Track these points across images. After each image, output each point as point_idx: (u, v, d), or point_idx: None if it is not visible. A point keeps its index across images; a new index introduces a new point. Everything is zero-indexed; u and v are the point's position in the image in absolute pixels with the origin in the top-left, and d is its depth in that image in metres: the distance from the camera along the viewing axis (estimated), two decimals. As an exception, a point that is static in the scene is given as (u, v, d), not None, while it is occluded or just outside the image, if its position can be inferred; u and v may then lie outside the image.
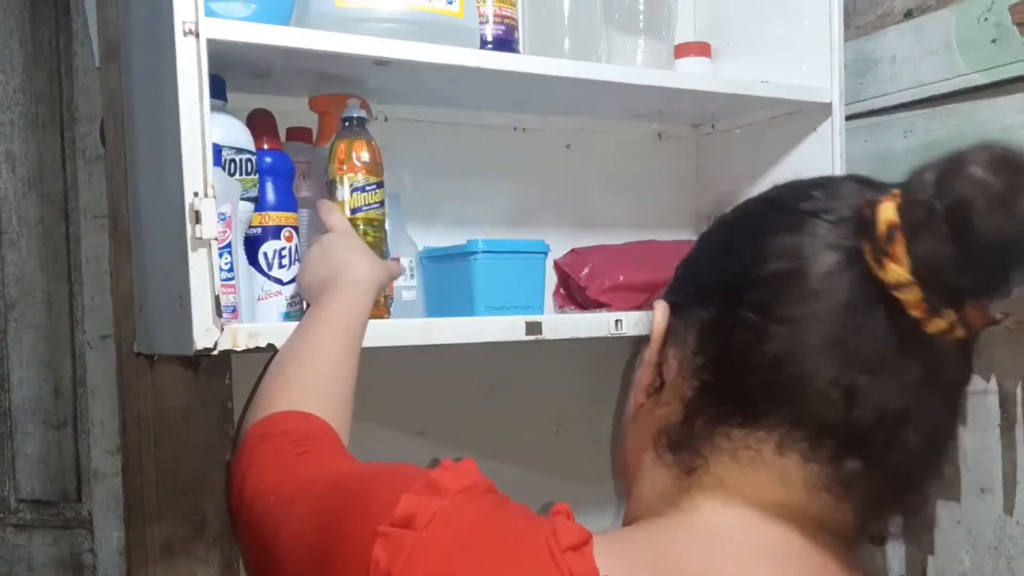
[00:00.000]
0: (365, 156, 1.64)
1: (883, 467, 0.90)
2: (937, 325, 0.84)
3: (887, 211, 0.85)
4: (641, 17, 2.03)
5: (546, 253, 1.88)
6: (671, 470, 0.99)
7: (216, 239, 1.40)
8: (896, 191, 0.87)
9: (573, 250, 2.05)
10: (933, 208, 0.82)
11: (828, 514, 0.92)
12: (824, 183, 0.96)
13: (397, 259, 1.76)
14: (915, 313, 0.84)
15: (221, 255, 1.46)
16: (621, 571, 0.88)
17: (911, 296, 0.84)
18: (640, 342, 1.09)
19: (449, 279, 1.84)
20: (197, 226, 1.38)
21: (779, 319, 0.90)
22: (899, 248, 0.84)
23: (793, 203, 0.95)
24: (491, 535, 0.93)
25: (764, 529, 0.92)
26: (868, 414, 0.88)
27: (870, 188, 0.92)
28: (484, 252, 1.79)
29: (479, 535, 0.93)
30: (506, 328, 1.70)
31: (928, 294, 0.84)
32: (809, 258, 0.89)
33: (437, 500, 0.95)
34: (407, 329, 1.62)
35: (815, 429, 0.89)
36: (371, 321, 1.48)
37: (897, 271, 0.84)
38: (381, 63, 1.61)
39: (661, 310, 1.02)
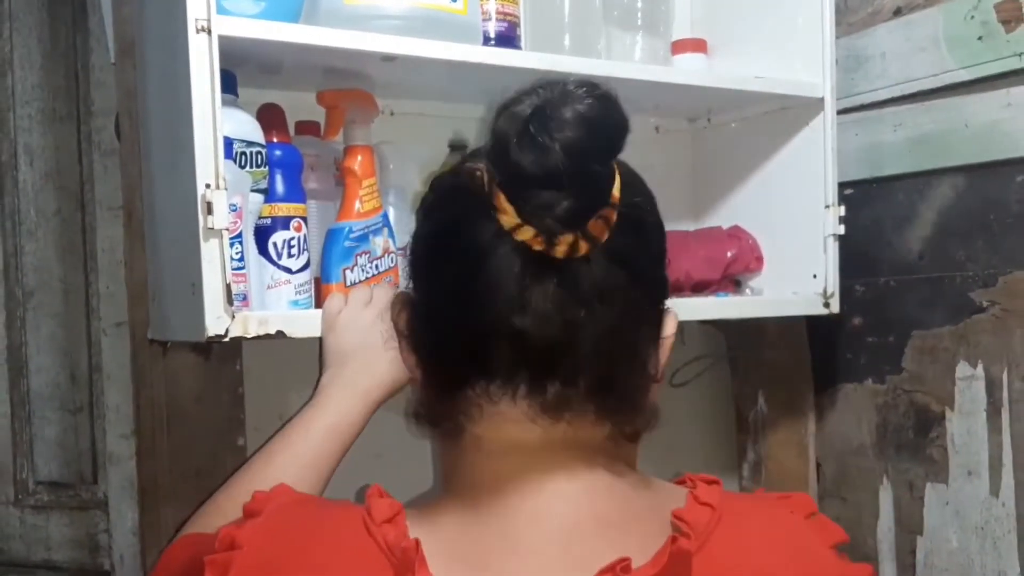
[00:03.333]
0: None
1: (580, 379, 0.96)
2: (560, 250, 0.91)
3: (486, 173, 0.93)
4: (639, 14, 2.04)
5: None
6: (444, 441, 1.07)
7: (227, 229, 1.41)
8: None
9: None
10: (508, 157, 0.91)
11: (573, 435, 0.99)
12: (458, 164, 1.03)
13: None
14: (537, 247, 0.91)
15: (232, 245, 1.46)
16: (429, 533, 0.95)
17: (527, 235, 0.91)
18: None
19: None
20: (209, 217, 1.38)
21: (441, 283, 1.01)
22: (501, 199, 0.92)
23: (437, 186, 1.07)
24: (307, 526, 1.01)
25: (532, 470, 0.99)
26: (541, 342, 0.94)
27: (473, 157, 0.99)
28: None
29: (296, 529, 1.01)
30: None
31: (538, 228, 0.91)
32: (450, 229, 1.00)
33: (251, 520, 1.03)
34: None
35: (512, 369, 0.96)
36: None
37: (508, 219, 0.91)
38: (388, 59, 1.61)
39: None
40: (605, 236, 0.93)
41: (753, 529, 1.03)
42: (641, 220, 1.00)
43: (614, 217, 0.94)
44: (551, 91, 0.92)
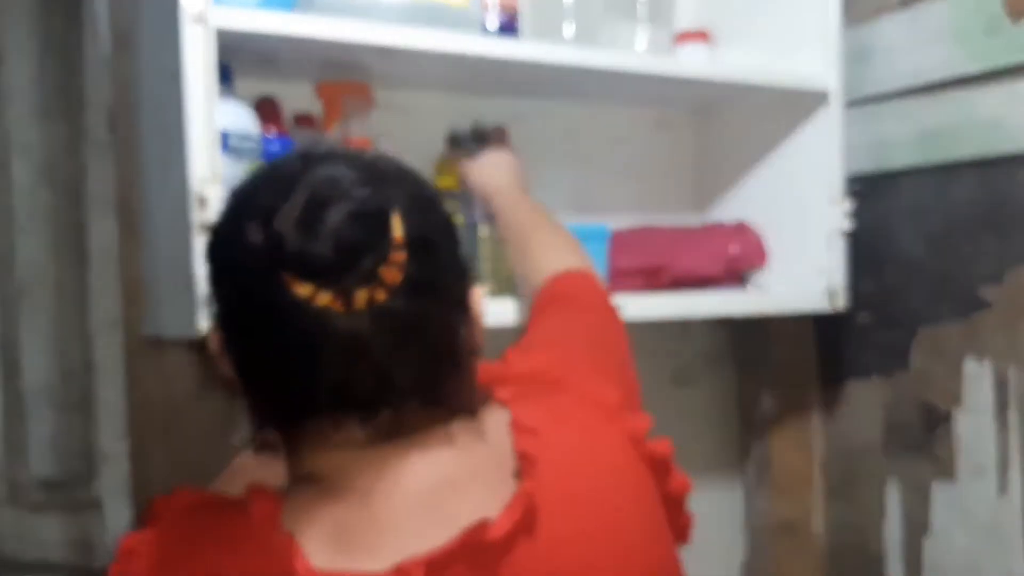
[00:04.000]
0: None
1: (408, 403, 1.04)
2: (359, 304, 0.97)
3: (266, 258, 0.99)
4: (642, 4, 2.03)
5: (606, 237, 1.95)
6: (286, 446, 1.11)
7: (223, 224, 1.39)
8: None
9: (574, 235, 2.05)
10: (288, 248, 0.98)
11: (409, 432, 1.06)
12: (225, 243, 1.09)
13: None
14: (337, 308, 0.97)
15: (228, 240, 1.45)
16: (304, 524, 1.01)
17: (324, 300, 0.97)
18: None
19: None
20: (204, 211, 1.39)
21: (255, 353, 1.06)
22: (288, 277, 0.97)
23: (215, 256, 1.09)
24: (198, 529, 1.06)
25: (379, 454, 1.05)
26: (362, 388, 1.01)
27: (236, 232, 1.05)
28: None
29: (187, 533, 1.06)
30: (513, 312, 1.70)
31: (334, 292, 0.96)
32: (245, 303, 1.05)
33: (150, 527, 1.08)
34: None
35: (342, 411, 1.03)
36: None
37: (303, 290, 0.96)
38: (386, 51, 1.61)
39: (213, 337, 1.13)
40: (399, 277, 0.99)
41: (573, 446, 1.14)
42: (428, 239, 1.04)
43: (402, 257, 0.99)
44: (311, 185, 1.00)
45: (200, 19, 1.41)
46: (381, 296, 0.97)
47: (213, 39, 1.42)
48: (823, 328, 2.29)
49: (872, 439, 2.20)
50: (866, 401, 2.21)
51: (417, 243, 1.00)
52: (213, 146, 1.41)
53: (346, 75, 1.72)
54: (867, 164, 2.14)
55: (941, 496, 2.06)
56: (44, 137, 1.96)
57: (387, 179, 1.04)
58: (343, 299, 0.96)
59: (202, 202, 1.38)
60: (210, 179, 1.39)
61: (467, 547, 0.99)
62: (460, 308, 1.10)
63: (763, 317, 2.14)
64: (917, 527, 2.12)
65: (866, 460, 2.22)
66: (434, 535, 0.99)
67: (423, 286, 1.01)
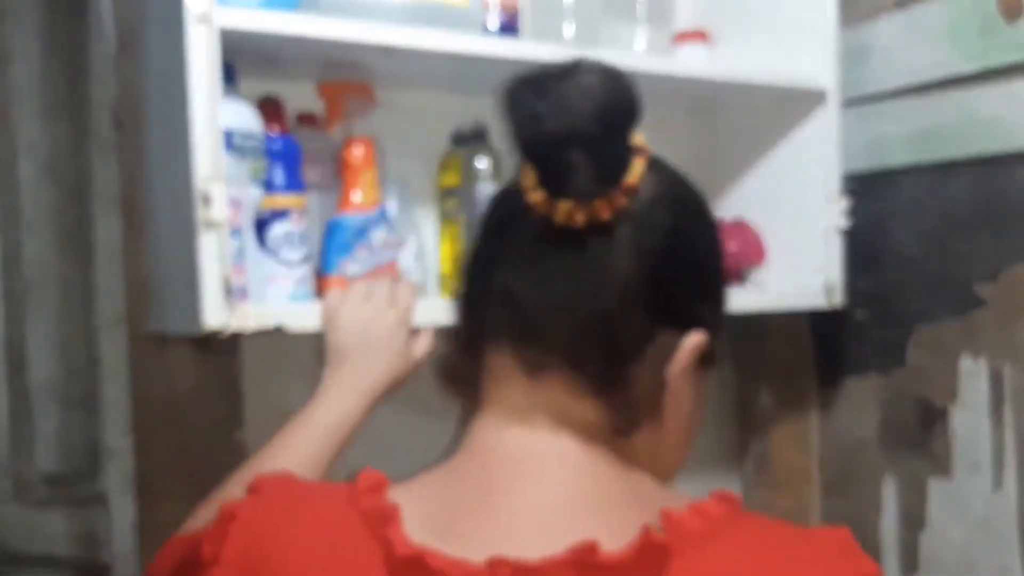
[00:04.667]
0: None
1: (562, 352, 0.97)
2: (559, 216, 0.94)
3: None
4: (641, 4, 2.04)
5: None
6: (462, 413, 1.08)
7: (226, 222, 1.42)
8: None
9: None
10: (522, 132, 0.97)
11: (560, 407, 0.99)
12: None
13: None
14: (541, 211, 0.95)
15: (231, 237, 1.47)
16: (411, 501, 0.98)
17: (536, 197, 0.95)
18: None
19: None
20: (208, 209, 1.41)
21: (475, 242, 1.07)
22: (528, 170, 0.97)
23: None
24: (298, 500, 1.05)
25: (520, 435, 1.00)
26: (527, 304, 0.97)
27: None
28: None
29: (288, 502, 1.04)
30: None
31: (546, 191, 0.94)
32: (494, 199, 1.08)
33: (251, 496, 1.06)
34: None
35: (506, 331, 1.00)
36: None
37: (528, 182, 0.96)
38: (388, 50, 1.61)
39: None
40: (606, 215, 0.94)
41: (756, 550, 0.95)
42: (669, 224, 0.99)
43: (623, 202, 0.95)
44: (572, 68, 0.96)
45: (204, 19, 1.41)
46: (580, 219, 0.94)
47: (217, 39, 1.42)
48: (820, 325, 2.29)
49: (869, 435, 2.20)
50: (863, 397, 2.21)
51: (652, 210, 0.99)
52: (217, 145, 1.41)
53: (348, 75, 1.72)
54: (864, 163, 2.14)
55: (937, 491, 2.07)
56: (49, 136, 1.97)
57: (626, 122, 1.00)
58: (548, 204, 0.95)
59: (206, 200, 1.39)
60: (213, 177, 1.40)
61: (568, 564, 0.89)
62: (662, 320, 0.99)
63: (761, 314, 2.14)
64: (913, 522, 2.12)
65: (863, 456, 2.22)
66: (537, 545, 0.91)
67: (637, 250, 0.97)
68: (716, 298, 1.07)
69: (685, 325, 1.00)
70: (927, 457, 2.08)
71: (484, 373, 1.03)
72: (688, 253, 1.02)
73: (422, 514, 0.96)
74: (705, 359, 1.03)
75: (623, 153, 0.97)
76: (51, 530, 2.06)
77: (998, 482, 1.95)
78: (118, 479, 1.96)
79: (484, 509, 0.97)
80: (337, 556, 0.97)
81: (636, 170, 0.96)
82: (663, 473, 1.06)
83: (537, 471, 0.98)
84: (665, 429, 1.03)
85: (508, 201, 1.02)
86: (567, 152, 0.93)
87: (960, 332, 2.00)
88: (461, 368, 1.07)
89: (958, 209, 2.01)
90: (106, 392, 1.96)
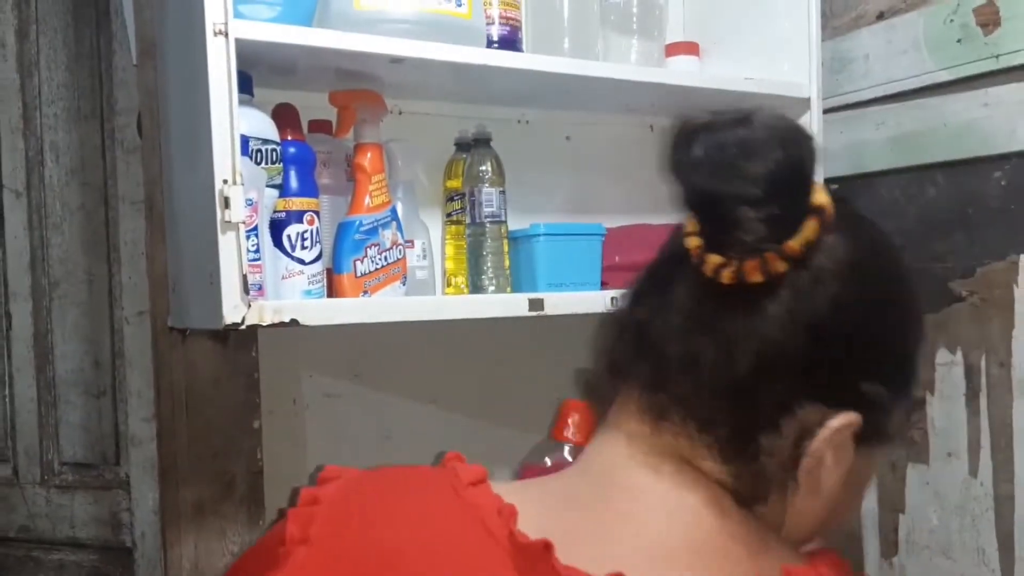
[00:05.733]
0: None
1: (690, 409, 0.90)
2: (707, 267, 0.86)
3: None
4: (635, 19, 2.05)
5: (602, 235, 1.95)
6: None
7: (244, 223, 1.41)
8: None
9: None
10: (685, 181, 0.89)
11: (681, 452, 0.91)
12: None
13: None
14: (694, 255, 0.88)
15: (248, 237, 1.48)
16: (522, 503, 0.91)
17: (693, 243, 0.88)
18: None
19: (517, 258, 1.91)
20: (226, 211, 1.39)
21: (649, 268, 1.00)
22: (691, 220, 0.90)
23: None
24: (393, 481, 0.99)
25: (645, 472, 0.92)
26: (662, 357, 0.90)
27: None
28: (545, 235, 1.87)
29: (381, 485, 0.98)
30: (511, 305, 1.72)
31: (703, 242, 0.88)
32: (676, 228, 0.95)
33: (334, 480, 1.00)
34: (421, 305, 1.65)
35: (635, 370, 0.94)
36: (386, 299, 1.48)
37: (690, 228, 0.89)
38: (396, 61, 1.62)
39: None
40: (756, 277, 0.85)
41: None
42: (839, 295, 0.88)
43: (779, 266, 0.85)
44: (746, 119, 0.87)
45: (221, 32, 1.41)
46: (727, 277, 0.86)
47: (233, 50, 1.42)
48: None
49: (851, 424, 2.21)
50: (845, 389, 2.22)
51: (818, 276, 0.88)
52: (234, 150, 1.41)
53: (359, 84, 1.72)
54: (845, 167, 2.16)
55: (915, 477, 2.09)
56: (75, 140, 1.99)
57: (796, 191, 0.88)
58: (699, 253, 0.88)
59: (224, 202, 1.40)
60: (231, 181, 1.40)
61: None
62: (802, 393, 0.88)
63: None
64: (893, 506, 2.14)
65: (845, 444, 2.22)
66: None
67: (786, 317, 0.87)
68: (890, 379, 0.92)
69: (840, 402, 0.88)
70: (906, 445, 2.10)
71: (618, 399, 0.97)
72: (855, 330, 0.90)
73: (534, 518, 0.90)
74: (868, 438, 0.90)
75: (794, 213, 0.86)
76: (76, 514, 2.08)
77: (973, 469, 1.97)
78: (140, 465, 1.98)
79: (602, 531, 0.90)
80: (452, 545, 0.90)
81: (804, 233, 0.85)
82: (790, 537, 0.95)
83: (659, 508, 0.90)
84: (801, 502, 0.91)
85: (678, 238, 0.92)
86: (729, 209, 0.86)
87: (937, 326, 2.02)
88: (601, 388, 1.00)
89: (935, 210, 2.03)
90: (129, 382, 1.98)
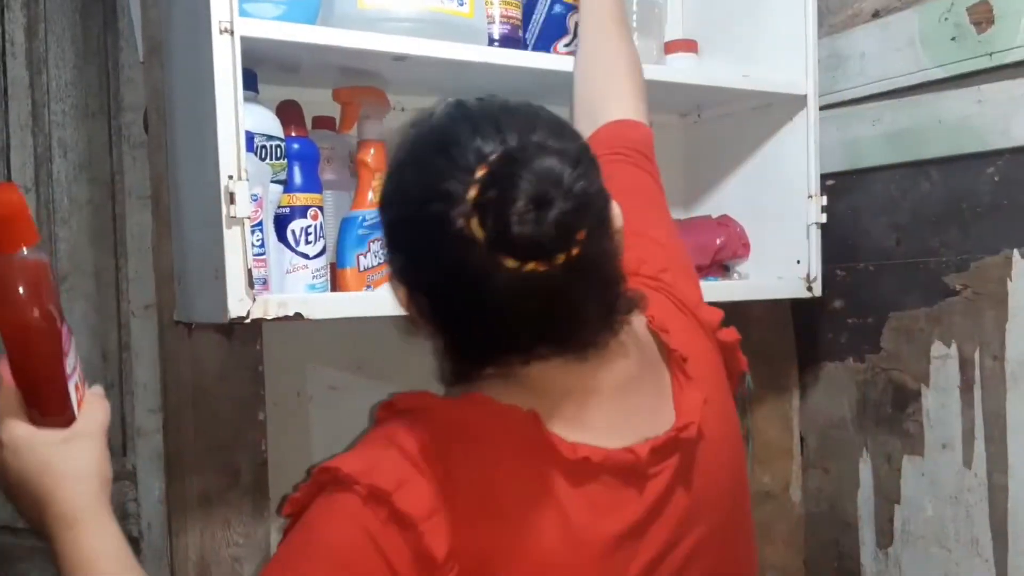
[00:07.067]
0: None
1: (572, 336, 1.10)
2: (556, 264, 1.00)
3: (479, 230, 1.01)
4: (634, 17, 2.04)
5: None
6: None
7: (249, 218, 1.42)
8: None
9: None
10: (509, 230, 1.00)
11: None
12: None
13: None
14: (513, 267, 1.00)
15: (253, 232, 1.48)
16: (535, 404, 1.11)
17: (514, 264, 1.00)
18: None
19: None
20: (231, 206, 1.40)
21: (457, 311, 1.11)
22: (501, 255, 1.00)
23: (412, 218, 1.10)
24: (455, 403, 1.14)
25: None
26: (531, 326, 1.07)
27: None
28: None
29: (459, 419, 1.11)
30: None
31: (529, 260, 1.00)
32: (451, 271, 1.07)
33: (407, 415, 1.14)
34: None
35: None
36: (389, 293, 1.47)
37: (511, 263, 1.00)
38: (399, 59, 1.62)
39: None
40: (585, 233, 1.01)
41: (687, 342, 1.26)
42: (589, 190, 1.03)
43: (587, 217, 1.02)
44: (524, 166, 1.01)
45: (227, 30, 1.42)
46: (575, 252, 1.00)
47: (239, 48, 1.42)
48: (801, 313, 2.31)
49: (846, 415, 2.23)
50: (841, 380, 2.24)
51: (589, 198, 1.03)
52: (239, 146, 1.42)
53: (362, 81, 1.73)
54: (841, 163, 2.17)
55: (910, 468, 2.09)
56: (83, 136, 1.98)
57: (582, 160, 1.05)
58: (547, 263, 0.99)
59: (230, 197, 1.40)
60: (236, 176, 1.40)
61: (678, 440, 1.14)
62: (613, 231, 1.10)
63: (746, 303, 2.16)
64: (888, 496, 2.14)
65: (841, 435, 2.24)
66: (631, 424, 1.13)
67: (597, 231, 1.04)
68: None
69: (611, 217, 1.12)
70: (901, 436, 2.10)
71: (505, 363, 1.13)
72: (594, 186, 1.10)
73: (545, 416, 1.10)
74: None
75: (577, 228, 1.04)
76: (84, 504, 2.07)
77: (967, 459, 1.98)
78: (147, 456, 1.97)
79: (578, 408, 1.12)
80: (516, 468, 1.07)
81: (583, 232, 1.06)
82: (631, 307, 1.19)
83: (597, 375, 1.13)
84: None
85: (467, 271, 1.06)
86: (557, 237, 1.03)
87: (931, 320, 2.03)
88: (454, 372, 1.20)
89: (929, 206, 2.03)
90: (136, 375, 1.97)
